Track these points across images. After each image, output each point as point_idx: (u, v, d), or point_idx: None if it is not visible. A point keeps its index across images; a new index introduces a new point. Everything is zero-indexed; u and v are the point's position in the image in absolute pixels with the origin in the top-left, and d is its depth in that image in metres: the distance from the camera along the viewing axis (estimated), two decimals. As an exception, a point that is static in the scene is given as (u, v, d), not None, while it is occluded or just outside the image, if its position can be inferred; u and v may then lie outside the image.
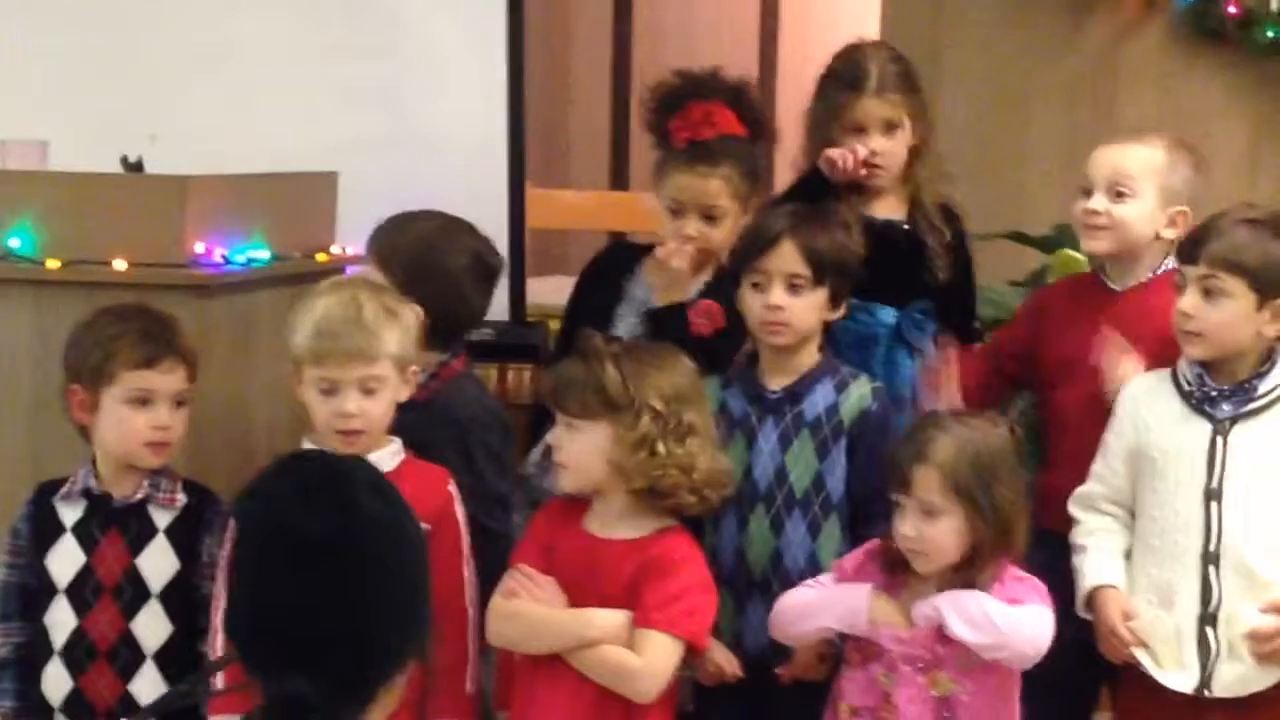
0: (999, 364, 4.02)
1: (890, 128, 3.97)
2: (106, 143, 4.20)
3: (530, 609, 3.45)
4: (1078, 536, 3.68)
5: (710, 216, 3.90)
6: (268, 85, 4.75)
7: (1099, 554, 3.65)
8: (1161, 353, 3.71)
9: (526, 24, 4.83)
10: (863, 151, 3.91)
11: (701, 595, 3.46)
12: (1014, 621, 3.35)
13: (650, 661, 3.39)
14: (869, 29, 5.42)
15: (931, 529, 3.38)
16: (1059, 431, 3.90)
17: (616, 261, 4.09)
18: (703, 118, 3.90)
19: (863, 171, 3.92)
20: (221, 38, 4.77)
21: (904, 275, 3.94)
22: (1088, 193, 3.88)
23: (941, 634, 3.38)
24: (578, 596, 3.45)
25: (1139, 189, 3.85)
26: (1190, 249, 3.62)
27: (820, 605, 3.46)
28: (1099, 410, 3.74)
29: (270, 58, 4.77)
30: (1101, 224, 3.86)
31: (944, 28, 5.42)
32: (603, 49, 6.98)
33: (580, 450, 3.45)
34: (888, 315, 3.92)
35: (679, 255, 3.90)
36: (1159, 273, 3.87)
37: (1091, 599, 3.63)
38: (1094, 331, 3.83)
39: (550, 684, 3.42)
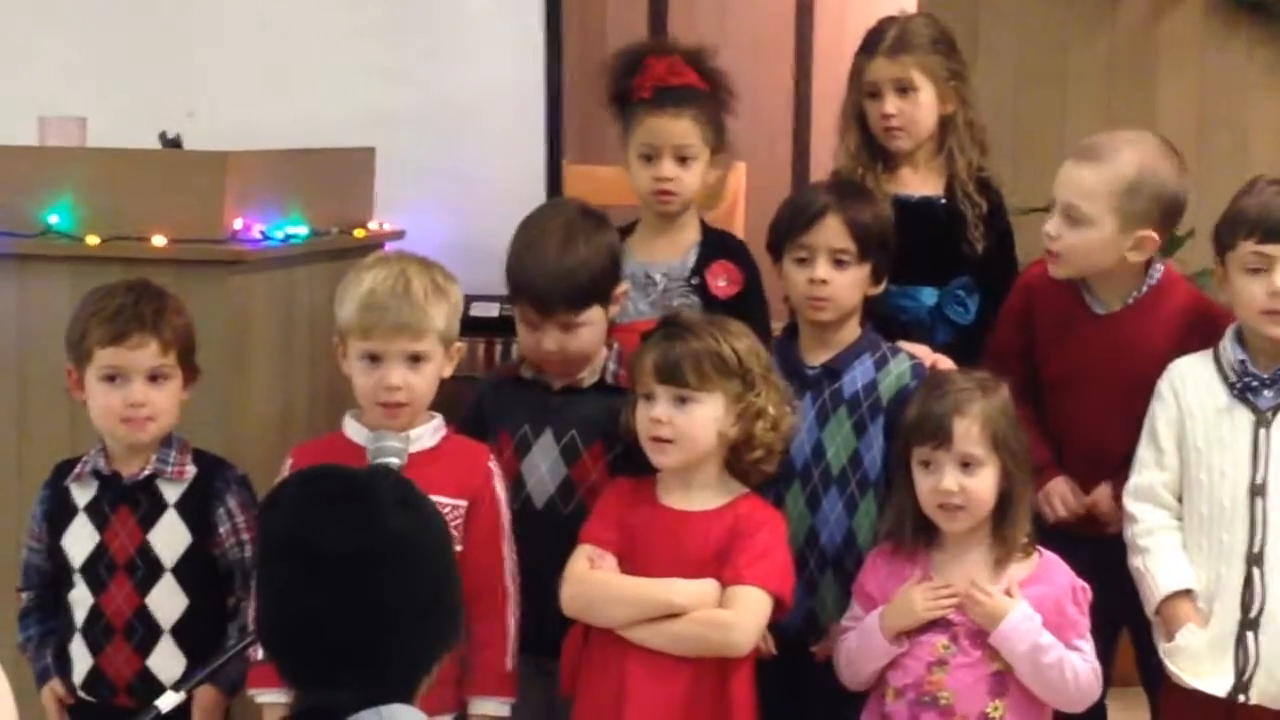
0: (1009, 369, 3.71)
1: (903, 89, 3.98)
2: (145, 119, 4.22)
3: (613, 577, 3.45)
4: (1137, 536, 3.56)
5: (683, 158, 3.91)
6: (305, 61, 4.76)
7: (1166, 557, 3.52)
8: (1148, 379, 3.59)
9: (563, -1, 4.84)
10: None
11: (786, 554, 3.48)
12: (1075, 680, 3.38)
13: (743, 614, 3.40)
14: (905, 4, 5.41)
15: (972, 480, 3.39)
16: (1069, 438, 3.78)
17: None
18: (666, 69, 3.94)
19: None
20: (259, 14, 4.78)
21: (943, 251, 3.93)
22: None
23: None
24: (661, 569, 3.44)
25: (1094, 215, 3.62)
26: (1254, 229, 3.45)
27: (861, 654, 3.46)
28: (1104, 419, 3.67)
29: (308, 34, 4.78)
30: (1055, 249, 3.68)
31: (982, 3, 5.40)
32: (639, 23, 6.96)
33: (695, 422, 3.43)
34: (929, 296, 3.91)
35: (660, 201, 3.90)
36: (1143, 294, 3.70)
37: (1164, 604, 3.51)
38: (1083, 356, 3.71)
39: (644, 658, 3.41)
